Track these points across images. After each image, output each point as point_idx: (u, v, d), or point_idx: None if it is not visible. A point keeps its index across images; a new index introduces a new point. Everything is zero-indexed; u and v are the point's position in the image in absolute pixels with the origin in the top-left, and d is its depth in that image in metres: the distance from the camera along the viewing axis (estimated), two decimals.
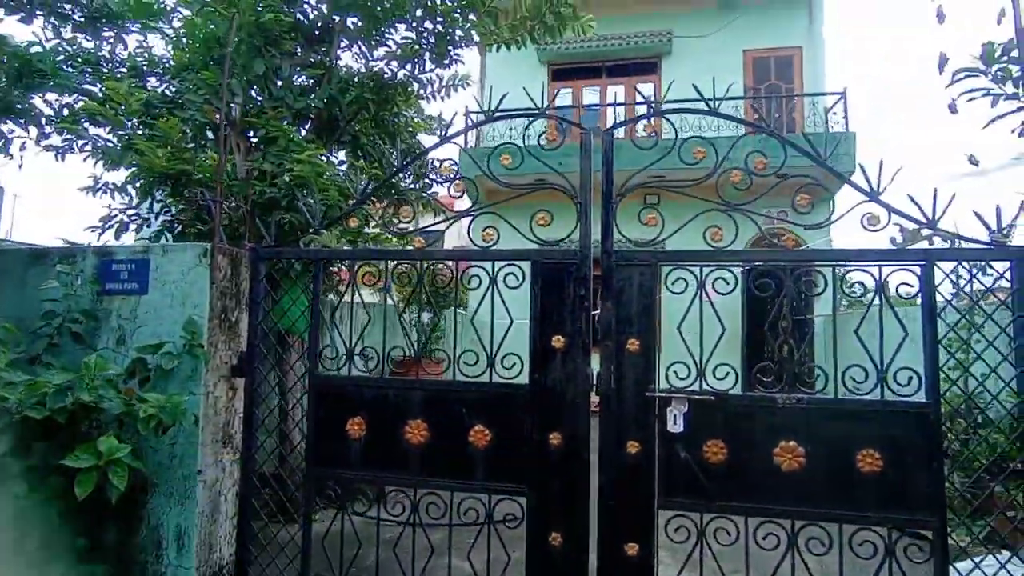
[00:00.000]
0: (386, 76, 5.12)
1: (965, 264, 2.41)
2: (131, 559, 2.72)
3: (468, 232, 2.80)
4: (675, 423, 2.47)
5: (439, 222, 3.11)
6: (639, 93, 9.54)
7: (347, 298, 3.00)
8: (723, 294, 2.60)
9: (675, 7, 10.28)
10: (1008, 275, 2.40)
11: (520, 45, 4.84)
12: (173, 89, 5.10)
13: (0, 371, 2.13)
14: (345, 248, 3.54)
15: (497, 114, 2.75)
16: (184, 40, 5.13)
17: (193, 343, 2.70)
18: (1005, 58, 2.68)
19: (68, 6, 4.02)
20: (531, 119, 2.87)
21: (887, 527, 2.35)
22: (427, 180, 5.71)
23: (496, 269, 2.72)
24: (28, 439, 2.27)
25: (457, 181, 2.82)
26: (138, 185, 4.66)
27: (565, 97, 10.48)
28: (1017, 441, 2.41)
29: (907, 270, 2.43)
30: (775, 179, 2.53)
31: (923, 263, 2.40)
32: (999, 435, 3.77)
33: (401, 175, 5.50)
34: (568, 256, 2.66)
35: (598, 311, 2.66)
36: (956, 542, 2.99)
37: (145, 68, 5.37)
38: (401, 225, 2.90)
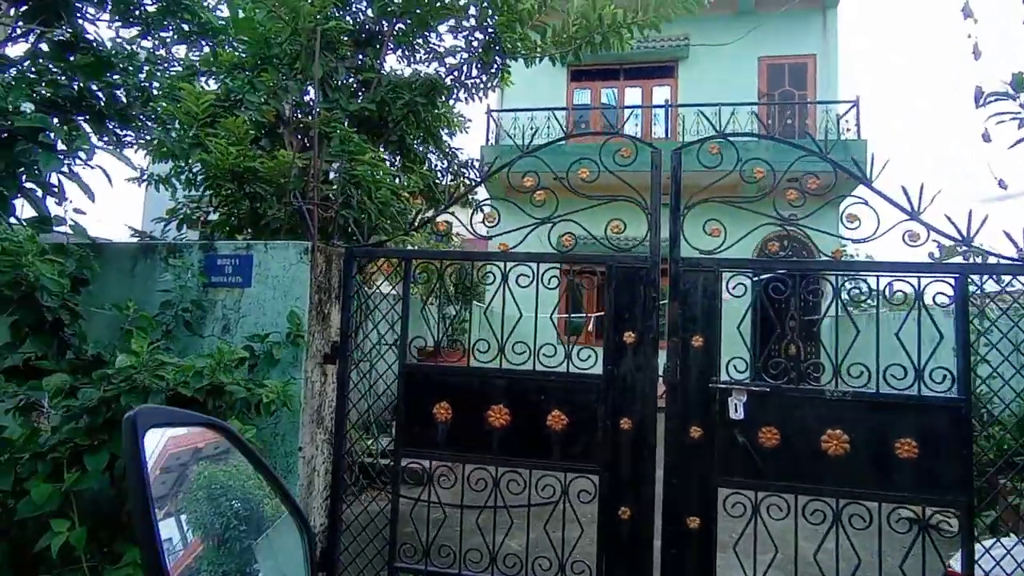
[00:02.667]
0: (434, 81, 5.38)
1: (995, 277, 2.73)
2: None
3: (548, 239, 3.09)
4: (736, 411, 2.79)
5: (517, 229, 3.38)
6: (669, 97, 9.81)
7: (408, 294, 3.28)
8: (777, 297, 2.93)
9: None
10: None
11: (564, 61, 5.10)
12: (229, 86, 5.33)
13: (156, 354, 2.41)
14: (435, 249, 3.81)
15: (576, 132, 3.04)
16: (233, 40, 5.36)
17: (297, 333, 2.99)
18: None
19: (176, 22, 4.26)
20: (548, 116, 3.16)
21: (921, 506, 2.68)
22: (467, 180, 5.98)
23: (539, 271, 3.02)
24: None
25: (539, 192, 3.08)
26: (198, 179, 4.91)
27: (583, 96, 10.74)
28: (1020, 436, 2.78)
29: (943, 281, 2.75)
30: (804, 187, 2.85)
31: (958, 275, 2.72)
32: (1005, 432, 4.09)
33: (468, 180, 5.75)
34: (639, 261, 2.96)
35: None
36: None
37: (198, 67, 5.61)
38: (487, 229, 3.18)
